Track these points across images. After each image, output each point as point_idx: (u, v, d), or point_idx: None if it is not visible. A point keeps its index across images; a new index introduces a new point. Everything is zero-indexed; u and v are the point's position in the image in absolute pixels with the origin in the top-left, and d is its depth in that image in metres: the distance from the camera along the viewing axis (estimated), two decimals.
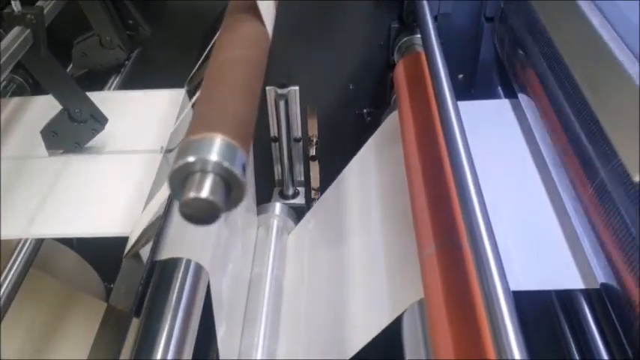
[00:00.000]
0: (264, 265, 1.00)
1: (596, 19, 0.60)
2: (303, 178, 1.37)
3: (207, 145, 0.40)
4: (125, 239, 0.79)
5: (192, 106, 0.91)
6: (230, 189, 0.40)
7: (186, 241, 0.76)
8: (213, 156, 0.40)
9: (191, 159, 0.39)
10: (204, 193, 0.38)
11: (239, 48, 0.50)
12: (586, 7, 0.66)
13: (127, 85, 1.13)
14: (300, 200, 1.35)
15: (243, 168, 0.40)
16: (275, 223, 1.13)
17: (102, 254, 1.20)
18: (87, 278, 1.21)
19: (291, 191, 1.32)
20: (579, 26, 0.56)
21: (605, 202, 0.65)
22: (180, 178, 0.39)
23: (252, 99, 0.46)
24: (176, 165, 0.39)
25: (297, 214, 1.21)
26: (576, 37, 0.57)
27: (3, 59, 0.72)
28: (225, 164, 0.39)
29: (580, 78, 0.54)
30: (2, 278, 0.78)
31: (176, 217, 0.77)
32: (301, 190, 1.38)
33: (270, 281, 0.98)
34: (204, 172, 0.39)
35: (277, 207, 1.17)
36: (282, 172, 1.30)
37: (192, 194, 0.38)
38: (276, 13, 0.58)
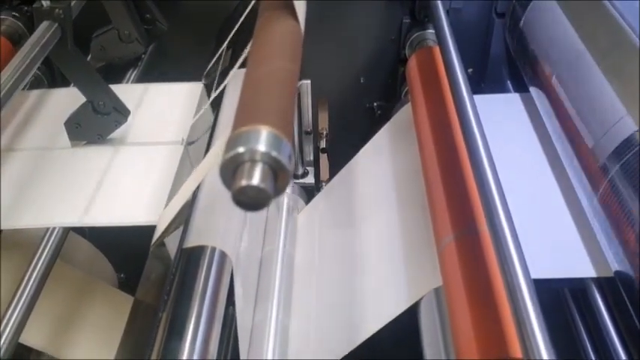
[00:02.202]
0: (275, 242, 1.01)
1: (616, 12, 0.62)
2: (312, 158, 1.37)
3: (255, 136, 0.42)
4: (138, 229, 0.82)
5: (212, 99, 0.92)
6: (277, 177, 0.42)
7: (210, 229, 0.78)
8: (262, 146, 0.42)
9: (241, 149, 0.42)
10: (255, 180, 0.40)
11: (276, 44, 0.52)
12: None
13: (144, 78, 1.15)
14: (309, 180, 1.35)
15: (289, 157, 0.43)
16: (285, 201, 1.14)
17: (114, 244, 1.22)
18: (101, 268, 1.23)
19: (300, 171, 1.33)
20: (602, 19, 0.59)
21: (620, 190, 0.67)
22: (231, 168, 0.42)
23: (291, 92, 0.49)
24: (227, 155, 0.42)
25: (307, 193, 1.23)
26: (596, 24, 0.60)
27: (33, 53, 0.74)
28: (274, 154, 0.42)
29: (606, 70, 0.56)
30: (31, 268, 0.80)
31: (201, 205, 0.79)
32: (311, 170, 1.38)
33: (282, 259, 0.98)
34: (253, 161, 0.42)
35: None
36: (293, 153, 1.31)
37: (243, 182, 0.40)
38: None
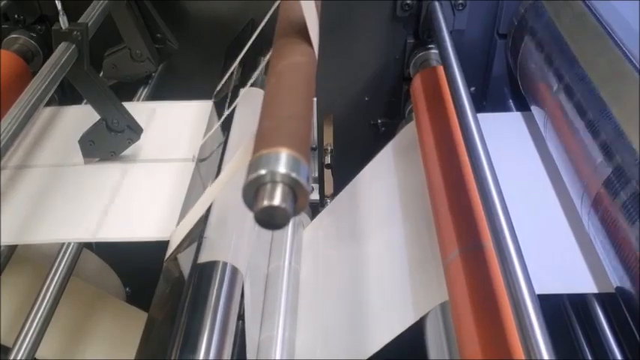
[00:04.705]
0: (281, 258, 1.02)
1: (614, 34, 0.65)
2: (317, 175, 1.39)
3: (275, 159, 0.45)
4: (145, 244, 0.84)
5: (223, 118, 0.95)
6: (296, 197, 0.45)
7: (222, 244, 0.80)
8: (282, 168, 0.44)
9: (262, 171, 0.44)
10: (277, 201, 0.43)
11: (292, 70, 0.54)
12: (603, 21, 0.70)
13: (154, 96, 1.18)
14: (314, 196, 1.37)
15: (307, 178, 0.45)
16: None
17: (120, 258, 1.24)
18: (109, 281, 1.25)
19: None
20: (600, 42, 0.61)
21: (621, 208, 0.69)
22: (253, 189, 0.44)
23: (308, 115, 0.51)
24: (249, 178, 0.44)
25: (312, 209, 1.25)
26: (597, 53, 0.62)
27: (52, 74, 0.76)
28: (293, 175, 0.44)
29: (604, 92, 0.59)
30: (47, 284, 0.82)
31: (213, 221, 0.81)
32: (315, 186, 1.39)
33: (288, 275, 0.99)
34: (274, 182, 0.44)
35: None
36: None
37: (265, 202, 0.43)
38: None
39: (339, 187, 1.38)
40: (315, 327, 0.94)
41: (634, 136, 0.50)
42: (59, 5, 0.80)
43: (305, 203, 0.45)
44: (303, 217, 1.18)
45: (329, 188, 1.44)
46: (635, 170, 0.69)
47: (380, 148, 1.14)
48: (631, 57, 0.56)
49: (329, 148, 1.38)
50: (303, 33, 0.58)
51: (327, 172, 1.41)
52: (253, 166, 0.45)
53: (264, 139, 0.46)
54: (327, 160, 1.38)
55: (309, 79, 0.55)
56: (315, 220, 1.18)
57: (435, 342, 0.76)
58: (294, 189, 0.44)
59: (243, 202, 0.44)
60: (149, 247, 0.84)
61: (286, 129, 0.48)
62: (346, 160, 1.36)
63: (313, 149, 1.36)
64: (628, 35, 0.64)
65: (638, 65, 0.54)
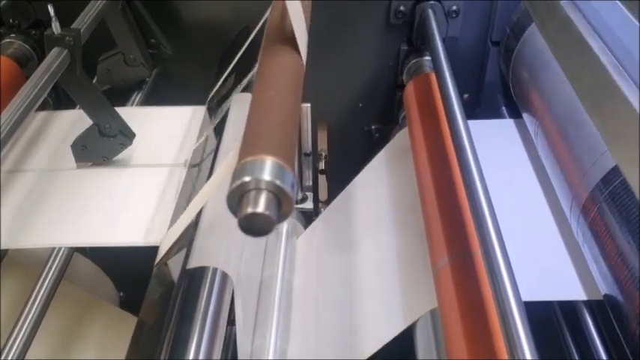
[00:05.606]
0: (274, 267, 1.02)
1: (597, 46, 0.65)
2: (311, 183, 1.39)
3: (260, 166, 0.45)
4: (139, 249, 0.84)
5: (216, 123, 0.95)
6: (281, 204, 0.45)
7: (212, 250, 0.80)
8: (266, 175, 0.45)
9: (247, 179, 0.44)
10: (260, 208, 0.43)
11: (279, 78, 0.55)
12: (587, 34, 0.71)
13: (148, 101, 1.18)
14: (308, 205, 1.37)
15: (292, 186, 0.45)
16: (285, 226, 1.14)
17: (114, 263, 1.24)
18: (102, 286, 1.25)
19: (299, 196, 1.35)
20: (583, 53, 0.62)
21: (609, 216, 0.70)
22: (238, 196, 0.44)
23: (294, 123, 0.51)
24: (233, 184, 0.44)
25: (306, 218, 1.25)
26: (580, 64, 0.63)
27: (44, 79, 0.77)
28: (278, 182, 0.44)
29: (584, 101, 0.60)
30: (37, 288, 0.82)
31: (203, 227, 0.82)
32: (310, 195, 1.40)
33: (281, 284, 0.99)
34: (258, 189, 0.44)
35: None
36: (295, 181, 1.32)
37: (249, 209, 0.43)
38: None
39: (333, 192, 1.38)
40: (307, 337, 0.94)
41: (616, 149, 0.51)
42: (52, 10, 0.80)
43: (290, 210, 0.45)
44: (297, 226, 1.19)
45: (323, 194, 1.44)
46: (623, 179, 0.69)
47: (374, 153, 1.14)
48: (616, 65, 0.57)
49: (323, 154, 1.39)
50: (291, 39, 0.59)
51: (322, 178, 1.42)
52: (238, 173, 0.45)
53: (249, 146, 0.47)
54: (322, 165, 1.39)
55: (296, 84, 0.55)
56: (308, 229, 1.18)
57: (424, 348, 0.76)
58: (278, 196, 0.45)
59: (228, 209, 0.45)
60: (143, 251, 0.84)
61: (272, 136, 0.48)
62: (340, 165, 1.37)
63: (307, 155, 1.37)
64: (614, 43, 0.65)
65: (622, 73, 0.54)
